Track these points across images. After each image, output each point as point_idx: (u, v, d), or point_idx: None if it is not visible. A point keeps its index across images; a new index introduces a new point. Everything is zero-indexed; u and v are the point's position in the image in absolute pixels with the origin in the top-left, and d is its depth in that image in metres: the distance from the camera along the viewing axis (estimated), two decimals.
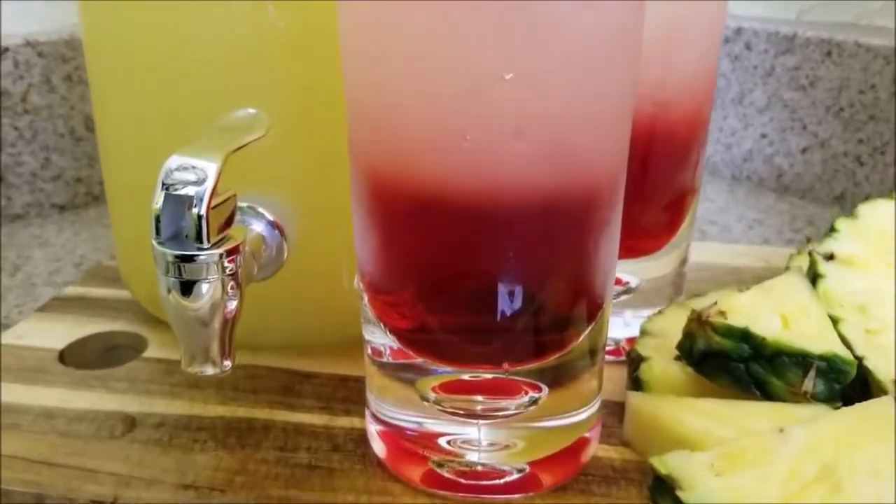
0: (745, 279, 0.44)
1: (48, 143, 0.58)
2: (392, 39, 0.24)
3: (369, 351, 0.30)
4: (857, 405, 0.27)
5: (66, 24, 0.58)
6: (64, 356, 0.37)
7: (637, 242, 0.35)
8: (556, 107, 0.23)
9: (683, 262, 0.40)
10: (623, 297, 0.36)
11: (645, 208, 0.34)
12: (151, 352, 0.37)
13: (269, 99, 0.31)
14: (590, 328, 0.28)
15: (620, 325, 0.36)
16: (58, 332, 0.39)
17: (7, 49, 0.55)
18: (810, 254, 0.34)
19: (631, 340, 0.36)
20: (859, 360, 0.29)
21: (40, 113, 0.57)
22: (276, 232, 0.33)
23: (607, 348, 0.31)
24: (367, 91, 0.25)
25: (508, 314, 0.26)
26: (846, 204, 0.59)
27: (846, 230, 0.34)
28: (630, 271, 0.37)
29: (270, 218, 0.33)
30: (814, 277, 0.33)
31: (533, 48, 0.22)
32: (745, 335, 0.29)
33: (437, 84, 0.23)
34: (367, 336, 0.30)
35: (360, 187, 0.27)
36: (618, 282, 0.36)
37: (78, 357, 0.37)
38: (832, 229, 0.35)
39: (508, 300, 0.25)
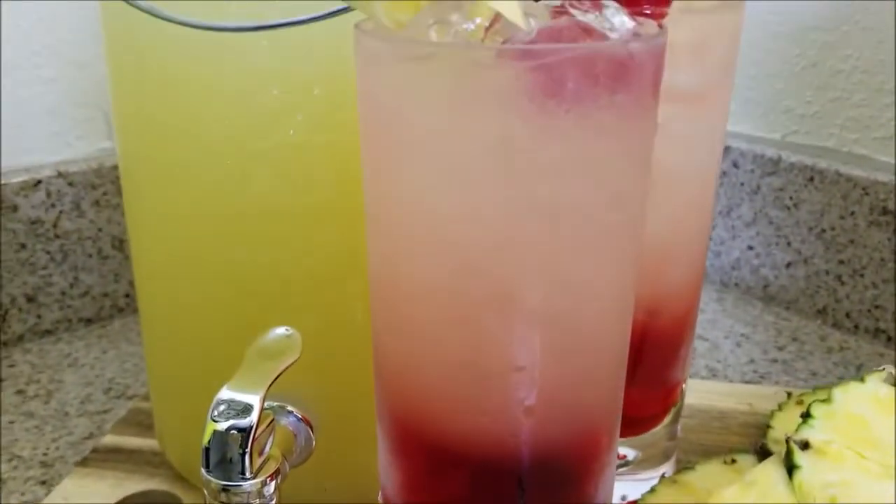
0: (730, 426, 0.48)
1: (77, 264, 0.61)
2: (415, 330, 0.27)
3: None
4: None
5: (95, 150, 0.62)
6: None
7: (632, 425, 0.38)
8: (564, 388, 0.27)
9: (676, 418, 0.43)
10: (621, 470, 0.40)
11: (637, 399, 0.38)
12: None
13: (302, 314, 0.35)
14: None
15: (617, 496, 0.40)
16: (100, 492, 0.42)
17: (40, 181, 0.59)
18: (787, 441, 0.37)
19: None
20: None
21: (70, 237, 0.61)
22: (305, 426, 0.36)
23: None
24: (393, 360, 0.29)
25: None
26: (828, 318, 0.63)
27: (821, 417, 0.38)
28: (626, 442, 0.40)
29: (299, 415, 0.36)
30: (790, 467, 0.36)
31: (544, 346, 0.26)
32: None
33: (456, 368, 0.27)
34: None
35: (385, 427, 0.30)
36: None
37: None
38: (808, 415, 0.38)
39: None
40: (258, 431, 0.31)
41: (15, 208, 0.58)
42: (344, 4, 0.27)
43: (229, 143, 0.33)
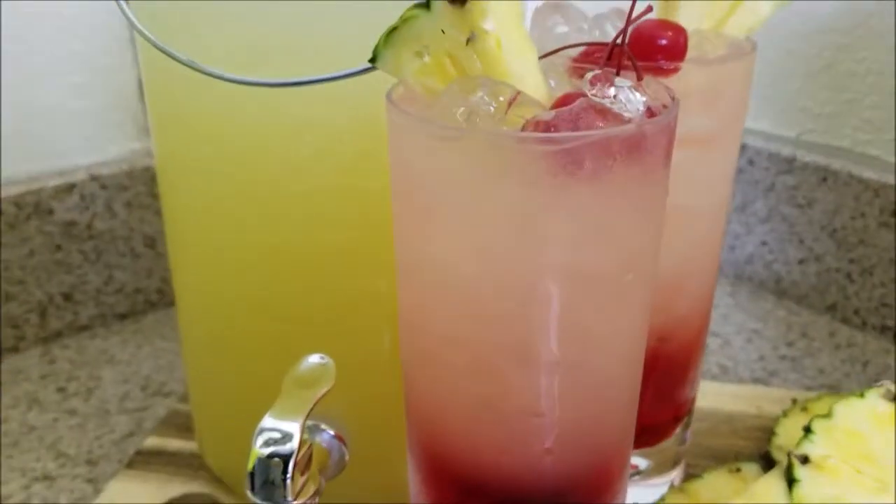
0: (738, 430, 0.50)
1: (111, 262, 0.64)
2: (440, 373, 0.29)
3: None
4: None
5: (126, 152, 0.64)
6: None
7: (644, 438, 0.41)
8: (581, 431, 0.29)
9: (686, 427, 0.45)
10: (633, 478, 0.42)
11: (649, 415, 0.40)
12: None
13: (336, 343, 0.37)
14: None
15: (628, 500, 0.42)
16: (144, 494, 0.45)
17: (74, 185, 0.61)
18: (789, 455, 0.39)
19: None
20: None
21: (103, 237, 0.63)
22: (339, 443, 0.39)
23: None
24: (421, 397, 0.31)
25: None
26: (837, 314, 0.65)
27: (821, 432, 0.40)
28: (637, 453, 0.42)
29: (333, 433, 0.39)
30: (790, 480, 0.39)
31: (562, 394, 0.28)
32: None
33: (479, 412, 0.29)
34: None
35: (415, 457, 0.33)
36: None
37: None
38: (809, 430, 0.40)
39: None
40: (298, 456, 0.33)
41: (51, 211, 0.61)
42: (371, 65, 0.29)
43: (265, 186, 0.35)
